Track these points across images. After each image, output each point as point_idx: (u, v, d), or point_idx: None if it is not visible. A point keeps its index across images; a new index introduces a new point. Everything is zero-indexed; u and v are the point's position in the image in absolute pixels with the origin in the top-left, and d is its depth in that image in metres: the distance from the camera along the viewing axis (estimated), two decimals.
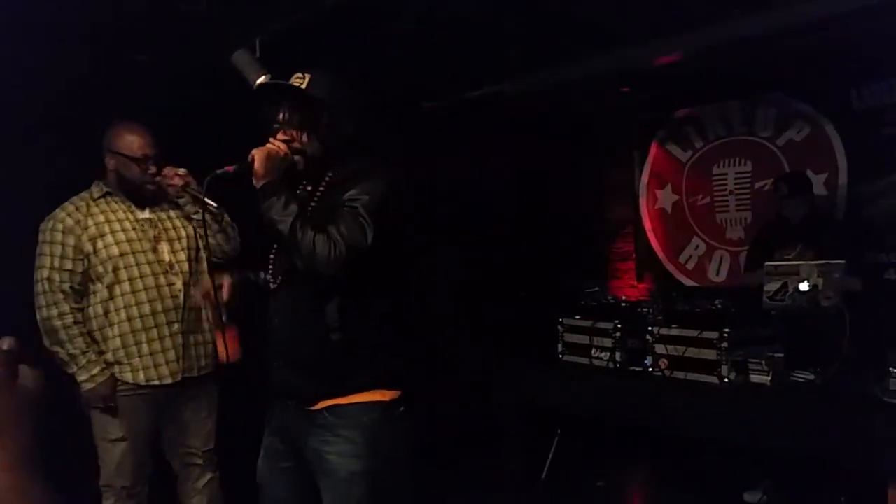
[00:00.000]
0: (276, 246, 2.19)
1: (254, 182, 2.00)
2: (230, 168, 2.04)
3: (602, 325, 4.15)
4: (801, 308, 3.41)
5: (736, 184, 5.40)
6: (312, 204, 2.08)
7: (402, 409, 2.10)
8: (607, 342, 4.11)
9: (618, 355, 4.05)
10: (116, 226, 2.80)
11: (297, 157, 2.06)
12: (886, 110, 4.55)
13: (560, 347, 4.41)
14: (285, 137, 2.06)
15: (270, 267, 2.19)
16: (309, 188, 2.13)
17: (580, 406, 4.12)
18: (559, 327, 4.43)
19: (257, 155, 1.99)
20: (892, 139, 4.54)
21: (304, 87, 2.04)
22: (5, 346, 0.82)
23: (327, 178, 2.11)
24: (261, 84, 2.11)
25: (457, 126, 5.50)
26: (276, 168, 2.00)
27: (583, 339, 4.27)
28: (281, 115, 2.07)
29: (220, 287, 2.18)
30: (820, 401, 3.22)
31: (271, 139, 2.06)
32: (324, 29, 3.96)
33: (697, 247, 5.65)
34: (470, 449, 4.71)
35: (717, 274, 5.52)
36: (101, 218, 2.79)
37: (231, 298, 2.17)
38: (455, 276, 5.54)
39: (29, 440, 0.80)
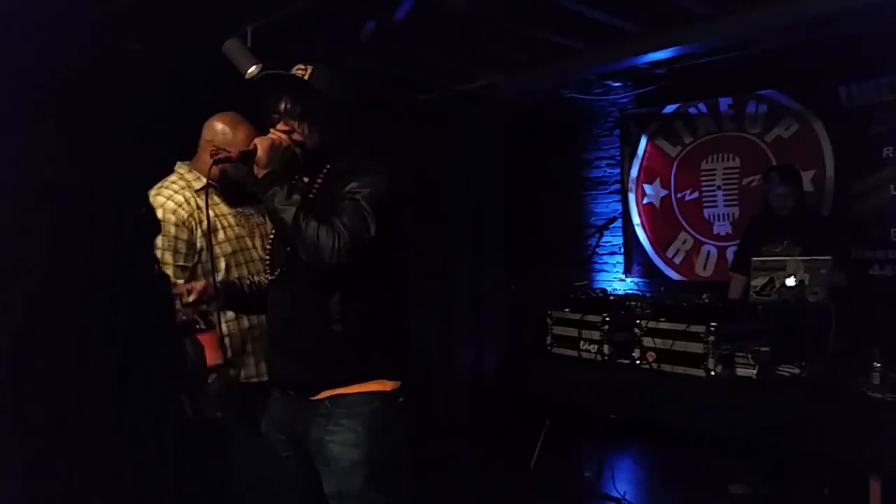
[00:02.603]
0: (272, 238, 2.20)
1: (255, 171, 2.01)
2: (233, 154, 2.06)
3: (590, 318, 4.18)
4: (788, 303, 3.45)
5: (724, 179, 5.44)
6: (311, 195, 2.07)
7: (401, 399, 2.10)
8: (595, 335, 4.14)
9: (606, 348, 4.08)
10: (225, 221, 2.63)
11: (296, 150, 2.06)
12: (874, 108, 4.59)
13: (549, 340, 4.44)
14: (285, 128, 2.06)
15: (268, 258, 2.20)
16: (306, 180, 2.13)
17: (568, 398, 4.16)
18: (548, 320, 4.46)
19: (261, 144, 2.00)
20: (879, 137, 4.58)
21: (305, 78, 2.05)
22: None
23: (325, 171, 2.12)
24: (263, 74, 2.10)
25: (450, 118, 5.52)
26: (278, 158, 2.01)
27: (571, 332, 4.30)
28: (282, 106, 2.07)
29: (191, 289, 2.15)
30: (805, 394, 3.26)
31: (273, 129, 2.07)
32: (317, 18, 3.95)
33: (685, 241, 5.69)
34: (459, 439, 4.73)
35: (704, 268, 5.56)
36: (211, 212, 2.54)
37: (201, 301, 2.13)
38: (444, 268, 5.56)
39: None
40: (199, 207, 2.54)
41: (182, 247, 2.48)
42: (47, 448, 0.82)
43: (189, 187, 2.59)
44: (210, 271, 2.41)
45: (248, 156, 2.00)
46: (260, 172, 2.00)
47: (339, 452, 2.01)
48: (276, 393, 2.21)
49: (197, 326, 2.09)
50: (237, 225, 2.65)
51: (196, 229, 2.52)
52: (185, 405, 0.95)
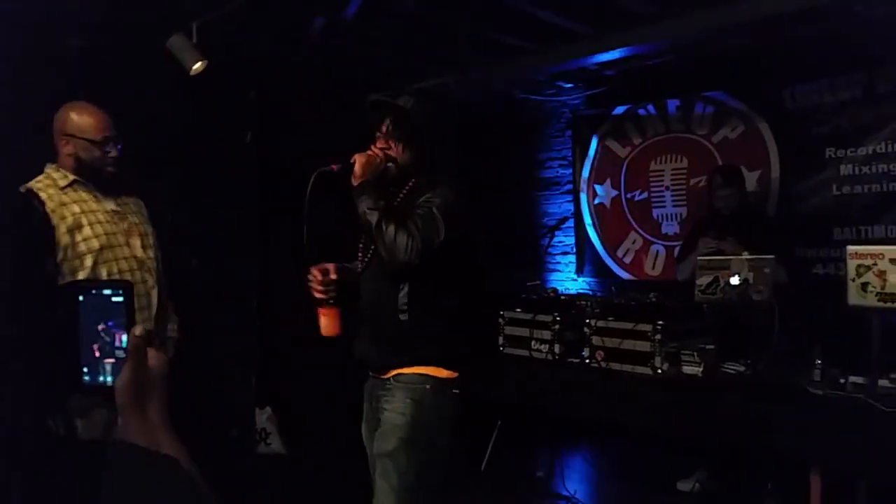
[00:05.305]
0: (364, 234, 2.50)
1: (352, 180, 2.35)
2: (334, 167, 2.38)
3: (542, 317, 4.20)
4: (732, 301, 3.49)
5: (672, 180, 5.51)
6: (396, 203, 2.42)
7: (455, 390, 2.40)
8: (546, 335, 4.16)
9: (556, 347, 4.10)
10: (92, 217, 2.58)
11: (389, 164, 2.42)
12: (817, 111, 4.68)
13: (501, 340, 4.44)
14: (383, 145, 2.43)
15: (360, 252, 2.54)
16: (393, 190, 2.46)
17: (520, 397, 4.17)
18: (500, 320, 4.46)
19: (358, 159, 2.36)
20: (822, 138, 4.68)
21: (407, 107, 2.41)
22: (137, 332, 0.99)
23: (410, 184, 2.46)
24: (374, 99, 2.47)
25: None
26: (371, 171, 2.37)
27: (523, 332, 4.31)
28: (384, 127, 2.43)
29: (328, 270, 2.45)
30: (749, 391, 3.31)
31: (372, 146, 2.43)
32: (264, 15, 3.90)
33: (635, 241, 5.75)
34: None
35: (653, 268, 5.63)
36: (76, 208, 2.55)
37: (338, 278, 2.46)
38: None
39: (160, 408, 0.99)
40: (63, 204, 2.53)
41: None
42: None
43: (54, 185, 2.57)
44: (79, 267, 2.48)
45: (348, 169, 2.36)
46: (355, 181, 2.35)
47: (387, 417, 2.35)
48: (368, 373, 2.53)
49: (326, 301, 2.42)
50: (108, 222, 2.63)
51: (59, 225, 2.49)
52: (54, 422, 0.91)
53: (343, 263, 2.56)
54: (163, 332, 2.82)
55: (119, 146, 2.67)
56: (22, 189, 2.53)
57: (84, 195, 2.61)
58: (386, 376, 2.40)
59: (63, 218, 2.51)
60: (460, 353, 2.46)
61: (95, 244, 2.54)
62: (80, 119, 2.62)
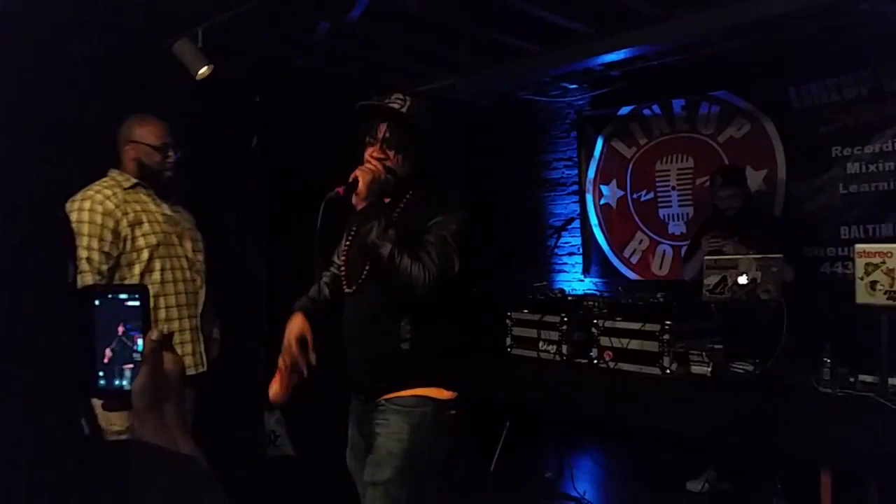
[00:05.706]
0: (346, 251, 2.36)
1: (354, 201, 2.09)
2: (340, 190, 2.08)
3: (549, 318, 4.20)
4: (741, 301, 3.49)
5: (678, 180, 5.50)
6: (392, 218, 2.17)
7: (453, 411, 2.24)
8: (554, 335, 4.16)
9: (564, 348, 4.10)
10: (151, 216, 2.81)
11: (388, 177, 2.16)
12: (823, 109, 4.68)
13: (508, 341, 4.44)
14: (380, 156, 2.16)
15: (343, 270, 2.35)
16: (387, 200, 2.23)
17: (528, 398, 4.16)
18: (508, 321, 4.46)
19: (361, 177, 2.08)
20: (828, 137, 4.67)
21: (404, 111, 2.17)
22: (153, 337, 0.99)
23: (408, 196, 2.24)
24: (364, 103, 2.20)
25: None
26: (376, 190, 2.11)
27: (531, 333, 4.31)
28: (380, 134, 2.17)
29: (307, 342, 2.26)
30: (758, 391, 3.30)
31: (368, 157, 2.16)
32: (269, 18, 3.91)
33: (641, 241, 5.75)
34: None
35: (660, 268, 5.62)
36: (137, 206, 2.79)
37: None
38: None
39: (176, 410, 0.99)
40: (126, 202, 2.76)
41: (108, 234, 2.66)
42: None
43: (118, 185, 2.80)
44: (136, 260, 2.70)
45: (352, 188, 2.08)
46: (359, 204, 2.09)
47: (381, 443, 2.16)
48: (354, 396, 2.38)
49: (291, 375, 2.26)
50: (164, 223, 2.85)
51: (122, 219, 2.71)
52: (83, 422, 0.91)
53: (303, 298, 2.37)
54: (208, 332, 3.01)
55: (178, 155, 2.89)
56: (83, 191, 2.71)
57: (144, 197, 2.84)
58: (377, 400, 2.22)
59: (126, 213, 2.73)
60: (458, 371, 2.31)
61: (153, 240, 2.76)
62: (142, 128, 2.86)
